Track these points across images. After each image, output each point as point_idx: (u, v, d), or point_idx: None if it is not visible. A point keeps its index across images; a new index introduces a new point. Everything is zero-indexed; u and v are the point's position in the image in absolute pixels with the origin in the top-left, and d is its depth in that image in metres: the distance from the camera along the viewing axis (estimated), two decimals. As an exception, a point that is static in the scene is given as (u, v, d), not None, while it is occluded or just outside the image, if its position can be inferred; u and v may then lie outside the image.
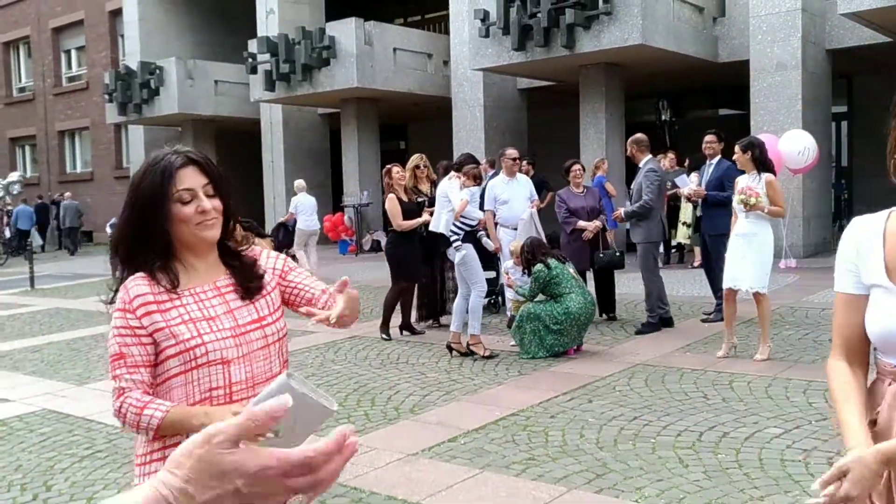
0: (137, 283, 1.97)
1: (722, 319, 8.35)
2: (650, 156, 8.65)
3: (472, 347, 7.35)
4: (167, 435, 1.95)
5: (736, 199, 6.94)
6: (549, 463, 4.58)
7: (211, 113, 21.42)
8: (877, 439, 1.70)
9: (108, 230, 20.72)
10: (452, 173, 7.85)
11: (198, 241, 2.02)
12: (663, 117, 15.57)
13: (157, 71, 21.33)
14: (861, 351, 1.81)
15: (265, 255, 2.19)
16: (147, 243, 1.99)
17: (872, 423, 1.76)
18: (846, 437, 1.69)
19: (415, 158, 9.25)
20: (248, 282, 2.09)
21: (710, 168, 8.71)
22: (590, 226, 8.71)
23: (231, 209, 2.07)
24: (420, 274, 8.59)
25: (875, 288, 1.76)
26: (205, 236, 2.01)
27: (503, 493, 4.19)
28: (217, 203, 2.02)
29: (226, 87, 21.91)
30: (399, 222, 8.32)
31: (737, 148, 7.11)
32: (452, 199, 7.54)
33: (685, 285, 11.00)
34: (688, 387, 6.06)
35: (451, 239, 7.48)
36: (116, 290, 2.01)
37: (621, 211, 8.58)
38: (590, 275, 8.95)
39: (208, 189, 2.00)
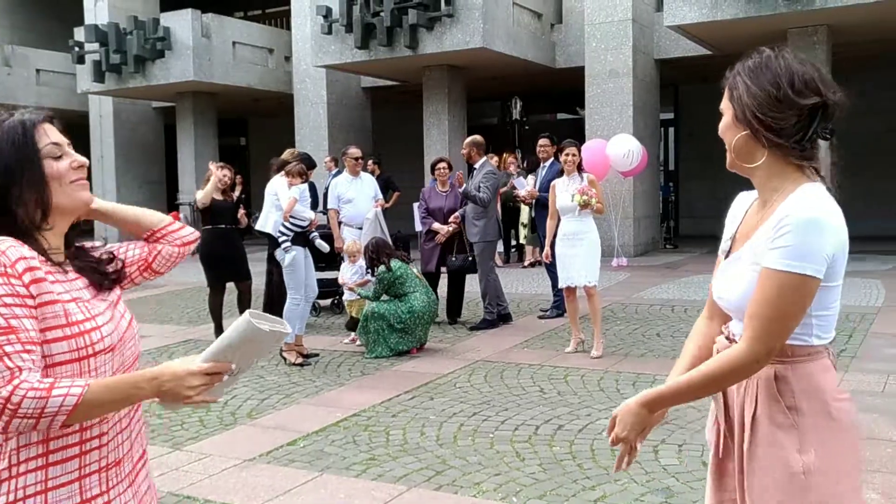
0: (13, 246, 1.59)
1: (559, 315, 8.67)
2: (486, 157, 8.88)
3: (283, 354, 7.15)
4: (77, 422, 1.60)
5: (575, 199, 7.06)
6: (389, 462, 4.56)
7: (32, 104, 19.96)
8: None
9: None
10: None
11: (73, 203, 1.72)
12: (514, 116, 15.77)
13: (-32, 55, 19.70)
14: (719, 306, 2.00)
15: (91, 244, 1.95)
16: (14, 214, 1.64)
17: None
18: None
19: (285, 154, 8.87)
20: (102, 268, 1.81)
21: (543, 171, 9.00)
22: (442, 229, 8.62)
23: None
24: (235, 274, 8.16)
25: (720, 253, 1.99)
26: (82, 197, 1.74)
27: (342, 494, 4.13)
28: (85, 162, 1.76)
29: (49, 77, 20.54)
30: (201, 196, 7.91)
31: (574, 150, 7.31)
32: (281, 198, 7.31)
33: (523, 283, 11.30)
34: (525, 381, 6.21)
35: (280, 240, 7.24)
36: None
37: (463, 180, 8.49)
38: (443, 278, 8.85)
39: (72, 148, 1.76)
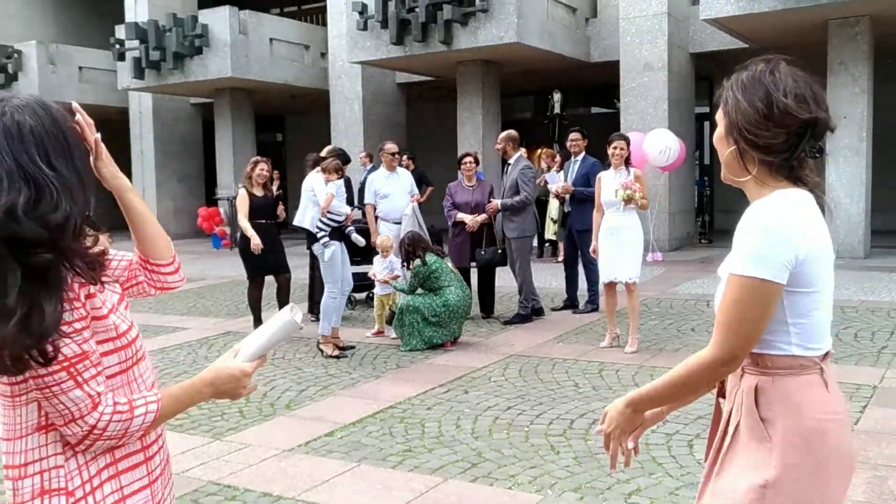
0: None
1: (593, 310, 8.67)
2: (520, 152, 8.86)
3: (320, 346, 7.26)
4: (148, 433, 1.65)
5: (619, 194, 6.98)
6: (425, 454, 4.62)
7: (75, 100, 20.38)
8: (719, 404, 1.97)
9: None
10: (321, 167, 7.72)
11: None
12: (556, 110, 15.61)
13: (16, 55, 20.10)
14: None
15: None
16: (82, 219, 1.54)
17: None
18: None
19: (325, 152, 8.98)
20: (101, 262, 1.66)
21: (575, 165, 8.95)
22: (467, 219, 8.57)
23: None
24: (274, 267, 8.27)
25: None
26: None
27: (379, 485, 4.20)
28: None
29: (91, 74, 20.91)
30: (242, 219, 8.09)
31: (623, 143, 7.21)
32: (318, 193, 7.42)
33: (558, 278, 11.29)
34: (560, 376, 6.24)
35: (318, 235, 7.34)
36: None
37: (497, 203, 8.56)
38: (474, 273, 8.87)
39: None
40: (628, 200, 6.98)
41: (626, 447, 1.96)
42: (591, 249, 7.43)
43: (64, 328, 1.47)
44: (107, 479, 1.59)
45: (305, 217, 7.69)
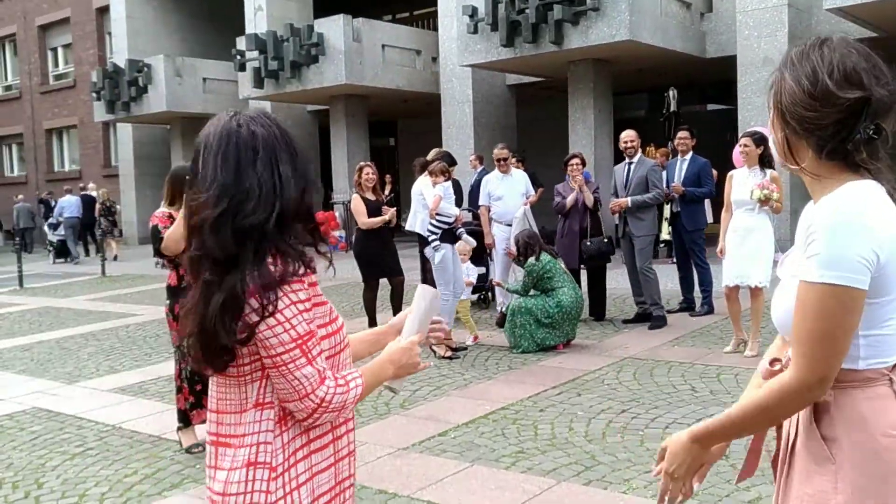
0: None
1: (708, 312, 8.44)
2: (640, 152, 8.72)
3: (433, 347, 7.29)
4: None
5: (754, 194, 6.62)
6: (538, 456, 4.62)
7: (199, 110, 21.34)
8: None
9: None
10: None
11: None
12: (672, 108, 15.26)
13: (145, 68, 21.28)
14: None
15: None
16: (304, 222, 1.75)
17: None
18: None
19: (431, 156, 9.14)
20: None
21: (683, 164, 8.72)
22: (579, 178, 8.49)
23: None
24: (389, 270, 8.44)
25: None
26: None
27: (493, 485, 4.23)
28: None
29: (214, 85, 21.87)
30: (363, 220, 8.30)
31: (748, 141, 6.81)
32: (426, 196, 7.52)
33: (673, 279, 11.04)
34: (676, 380, 6.11)
35: (430, 239, 7.44)
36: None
37: (628, 200, 8.25)
38: (583, 276, 8.79)
39: None
40: (764, 201, 6.61)
41: (689, 488, 1.73)
42: (717, 250, 7.04)
43: (298, 306, 1.63)
44: (301, 458, 1.72)
45: (416, 221, 7.82)
